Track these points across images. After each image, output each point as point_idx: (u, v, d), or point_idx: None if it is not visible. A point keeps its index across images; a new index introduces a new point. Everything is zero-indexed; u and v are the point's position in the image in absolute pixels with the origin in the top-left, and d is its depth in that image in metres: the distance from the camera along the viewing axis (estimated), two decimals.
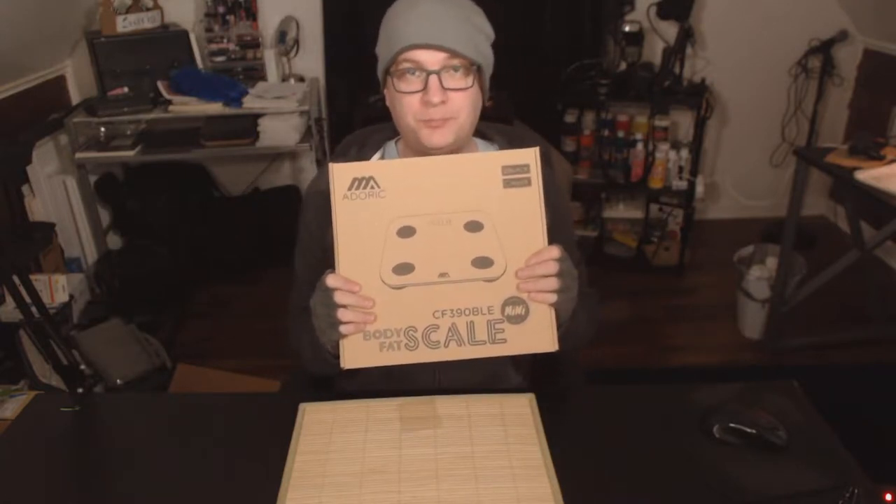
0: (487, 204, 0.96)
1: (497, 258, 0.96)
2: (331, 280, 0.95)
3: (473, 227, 0.96)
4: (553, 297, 0.96)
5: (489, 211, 0.96)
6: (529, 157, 0.96)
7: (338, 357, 0.98)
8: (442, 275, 0.96)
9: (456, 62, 1.01)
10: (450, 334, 0.97)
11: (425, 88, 1.01)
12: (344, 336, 0.96)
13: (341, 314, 0.95)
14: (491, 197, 0.96)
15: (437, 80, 1.01)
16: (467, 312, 0.96)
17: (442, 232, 0.95)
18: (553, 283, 0.95)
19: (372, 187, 0.95)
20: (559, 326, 0.98)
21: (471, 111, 1.06)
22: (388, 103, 1.11)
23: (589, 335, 1.21)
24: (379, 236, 0.95)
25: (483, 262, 0.96)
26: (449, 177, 0.96)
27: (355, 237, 0.96)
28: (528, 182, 0.96)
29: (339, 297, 0.95)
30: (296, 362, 1.19)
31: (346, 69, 3.14)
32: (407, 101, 1.03)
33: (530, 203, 0.96)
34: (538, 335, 0.97)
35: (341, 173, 0.95)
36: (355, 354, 0.97)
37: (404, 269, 0.96)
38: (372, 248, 0.95)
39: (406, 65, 1.01)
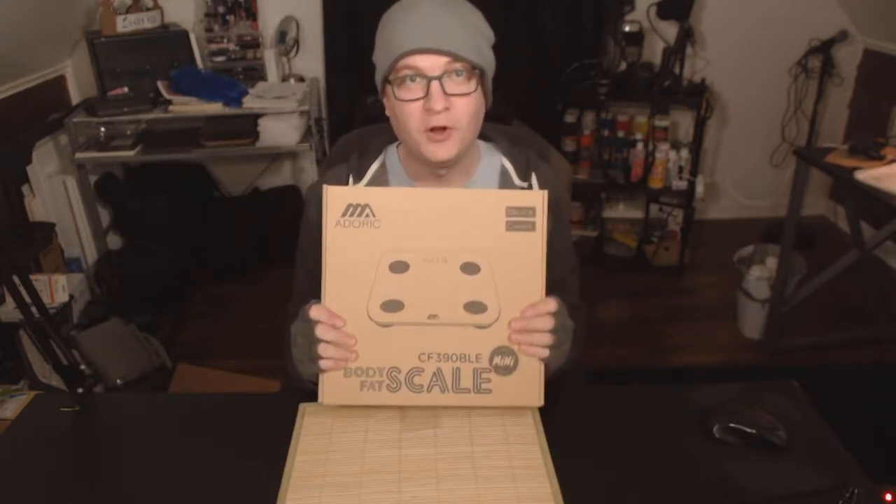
0: (487, 245, 0.91)
1: (491, 304, 0.92)
2: (314, 312, 0.91)
3: (470, 268, 0.92)
4: (545, 353, 0.93)
5: (488, 253, 0.92)
6: (537, 199, 0.91)
7: (317, 385, 0.96)
8: (432, 316, 0.92)
9: (458, 66, 0.97)
10: (434, 379, 0.94)
11: (427, 95, 0.97)
12: (322, 371, 0.93)
13: (322, 349, 0.92)
14: (491, 238, 0.91)
15: (438, 86, 0.96)
16: (454, 358, 0.93)
17: (436, 270, 0.91)
18: (546, 338, 0.92)
19: (367, 216, 0.90)
20: (548, 377, 0.96)
21: (474, 118, 1.03)
22: (387, 113, 1.07)
23: (573, 362, 1.16)
24: (370, 269, 0.91)
25: (476, 308, 0.92)
26: (449, 211, 0.91)
27: (345, 267, 0.91)
28: (531, 227, 0.91)
29: (320, 332, 0.91)
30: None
31: (346, 69, 3.14)
32: (408, 110, 0.99)
33: (532, 249, 0.92)
34: (524, 389, 0.95)
35: (335, 198, 0.91)
36: (334, 391, 0.94)
37: (393, 306, 0.92)
38: (361, 280, 0.92)
39: (406, 72, 0.98)
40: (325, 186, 0.92)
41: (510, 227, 0.91)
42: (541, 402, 0.95)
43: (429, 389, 0.94)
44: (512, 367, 0.94)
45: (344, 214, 0.91)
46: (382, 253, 0.91)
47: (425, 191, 0.96)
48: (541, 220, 0.91)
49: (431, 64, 0.97)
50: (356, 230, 0.91)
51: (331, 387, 0.94)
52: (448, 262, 0.91)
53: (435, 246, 0.91)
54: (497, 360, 0.94)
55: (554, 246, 0.95)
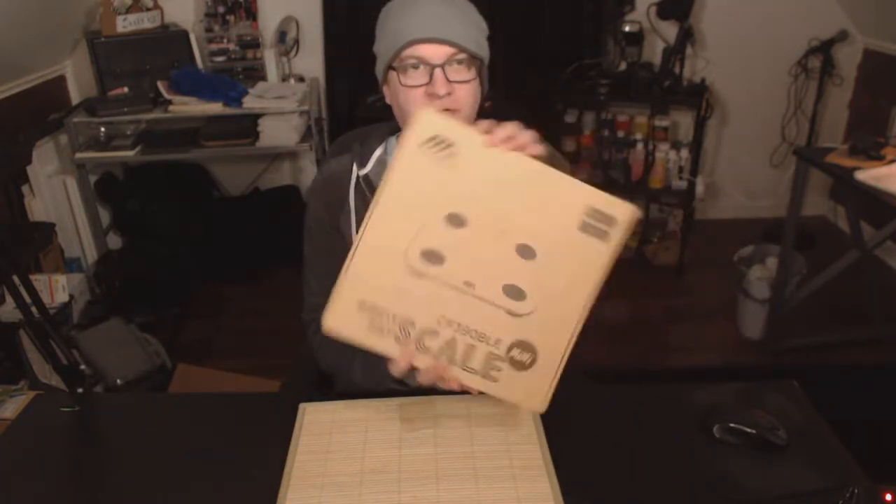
0: (552, 235, 0.85)
1: (531, 295, 0.86)
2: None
3: (525, 252, 0.85)
4: None
5: (550, 243, 0.85)
6: (624, 213, 0.84)
7: (400, 382, 1.02)
8: (467, 283, 0.86)
9: (460, 56, 1.03)
10: (444, 347, 0.88)
11: (430, 81, 1.02)
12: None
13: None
14: (560, 229, 0.85)
15: (442, 72, 1.02)
16: (473, 335, 0.87)
17: (491, 238, 0.85)
18: None
19: (449, 154, 0.83)
20: None
21: (473, 105, 1.07)
22: (388, 100, 1.11)
23: None
24: (427, 208, 0.84)
25: (514, 293, 0.86)
26: (530, 184, 0.84)
27: (404, 196, 0.84)
28: (605, 237, 0.84)
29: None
30: (317, 357, 1.21)
31: (346, 69, 3.14)
32: (412, 95, 1.03)
33: (596, 259, 0.85)
34: (531, 390, 0.89)
35: (429, 122, 0.83)
36: (342, 319, 0.88)
37: (433, 257, 0.85)
38: (414, 216, 0.85)
39: (411, 60, 1.02)
40: (422, 110, 0.85)
41: (584, 227, 0.85)
42: (543, 408, 0.90)
43: (436, 356, 0.88)
44: (527, 365, 0.88)
45: (428, 141, 0.83)
46: (446, 197, 0.84)
47: (516, 155, 0.85)
48: (618, 235, 0.85)
49: (435, 53, 1.02)
50: (430, 163, 0.83)
51: (341, 314, 0.87)
52: (506, 235, 0.85)
53: (501, 214, 0.84)
54: (515, 352, 0.88)
55: None
